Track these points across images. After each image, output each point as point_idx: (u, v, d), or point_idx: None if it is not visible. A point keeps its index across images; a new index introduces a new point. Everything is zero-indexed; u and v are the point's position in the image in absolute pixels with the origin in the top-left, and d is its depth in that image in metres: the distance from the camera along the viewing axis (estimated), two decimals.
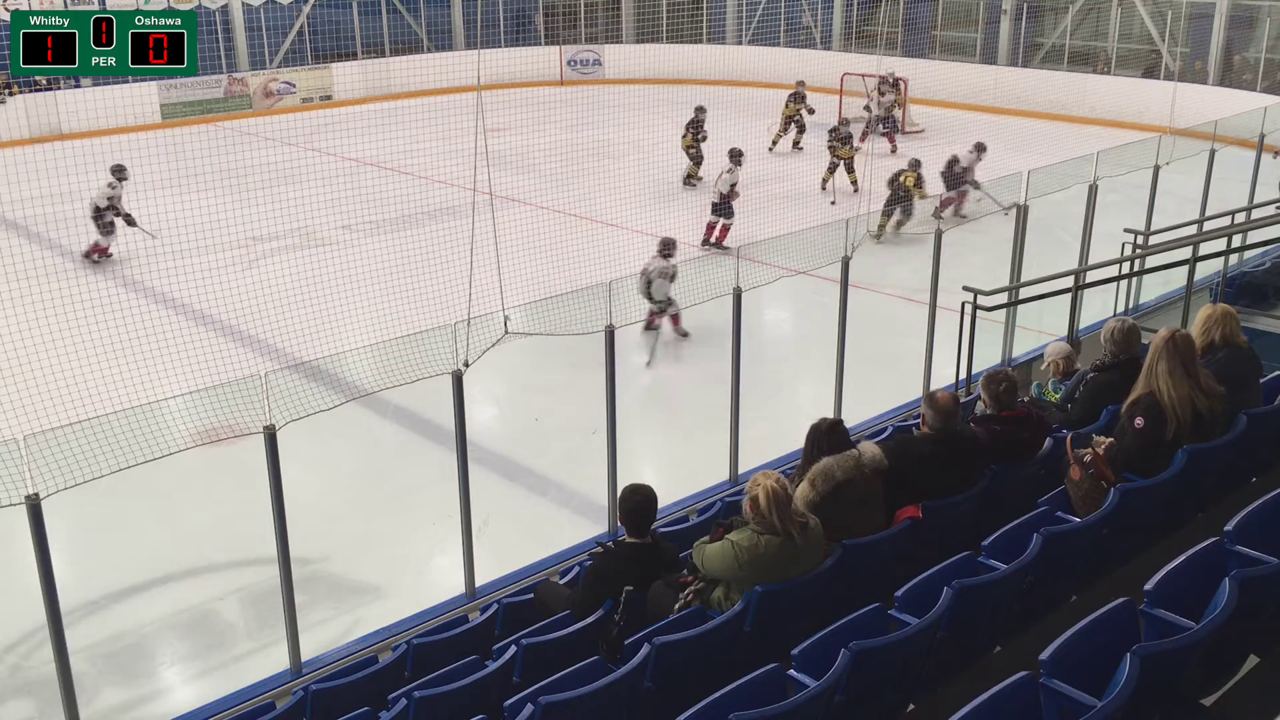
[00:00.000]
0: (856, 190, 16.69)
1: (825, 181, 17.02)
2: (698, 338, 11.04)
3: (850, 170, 17.09)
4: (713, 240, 14.36)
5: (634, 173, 17.52)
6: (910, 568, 4.27)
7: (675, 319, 11.49)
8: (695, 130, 17.66)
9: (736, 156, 14.69)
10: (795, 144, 20.15)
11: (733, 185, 14.33)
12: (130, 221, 14.08)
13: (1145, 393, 4.81)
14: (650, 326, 11.41)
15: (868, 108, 20.43)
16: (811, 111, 20.01)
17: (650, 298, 11.15)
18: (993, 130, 19.20)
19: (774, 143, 19.99)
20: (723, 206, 14.35)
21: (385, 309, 11.58)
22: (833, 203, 16.25)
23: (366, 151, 19.21)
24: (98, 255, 14.00)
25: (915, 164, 15.48)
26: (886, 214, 14.54)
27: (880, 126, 20.06)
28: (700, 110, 17.69)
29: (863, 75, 21.16)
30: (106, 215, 13.90)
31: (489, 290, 7.01)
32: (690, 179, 17.64)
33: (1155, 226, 10.39)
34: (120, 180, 14.09)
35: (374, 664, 5.74)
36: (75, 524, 7.75)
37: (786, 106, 20.18)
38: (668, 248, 11.39)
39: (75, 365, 9.09)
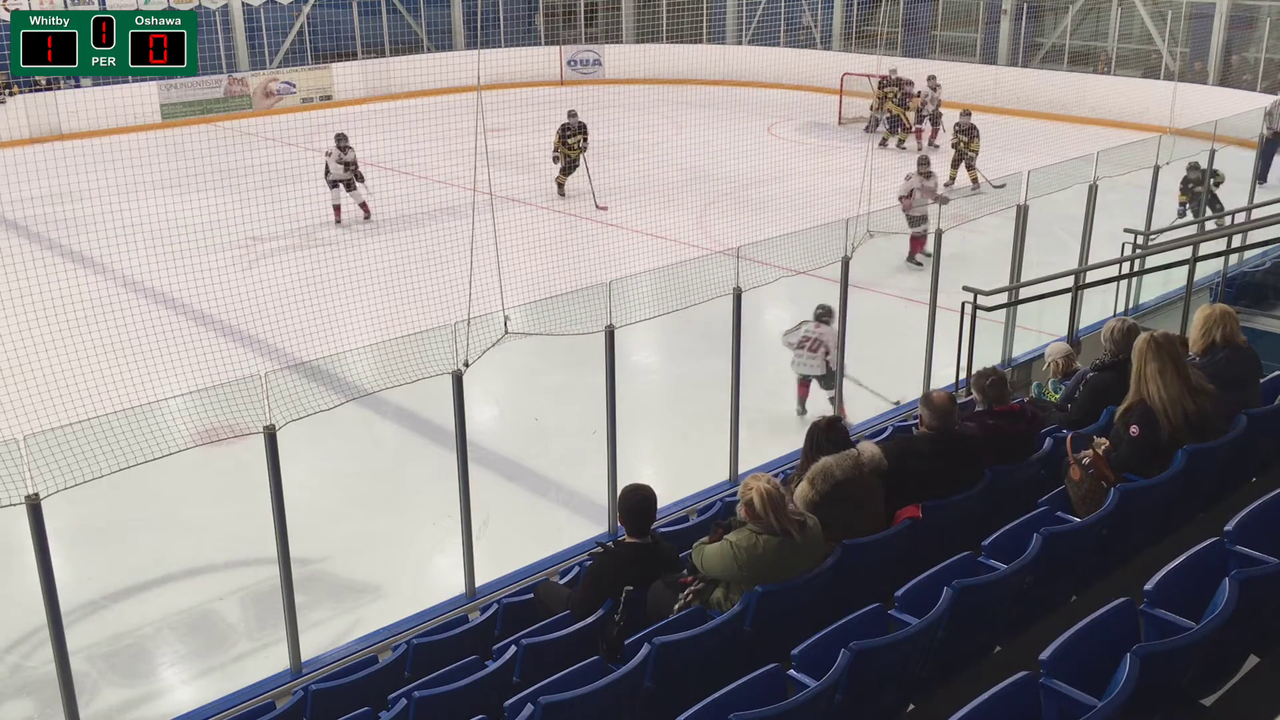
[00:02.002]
0: (976, 187, 16.69)
1: (974, 179, 16.98)
2: (697, 338, 11.02)
3: (971, 166, 17.06)
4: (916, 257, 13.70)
5: (634, 173, 17.51)
6: (910, 568, 4.27)
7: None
8: (585, 135, 17.02)
9: (925, 164, 14.12)
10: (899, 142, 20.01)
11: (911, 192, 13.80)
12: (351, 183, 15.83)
13: (1136, 400, 4.80)
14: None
15: (923, 106, 20.44)
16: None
17: None
18: (993, 130, 19.19)
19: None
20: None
21: (385, 309, 11.59)
22: (1001, 185, 14.91)
23: (366, 151, 19.17)
24: (365, 211, 15.82)
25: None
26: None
27: (929, 124, 20.20)
28: (572, 115, 17.00)
29: (879, 78, 21.11)
30: (348, 172, 15.69)
31: (489, 290, 7.02)
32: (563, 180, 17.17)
33: (1155, 226, 10.39)
34: (344, 147, 15.66)
35: (374, 664, 5.74)
36: (75, 524, 7.75)
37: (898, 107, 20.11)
38: None
39: (75, 365, 9.09)
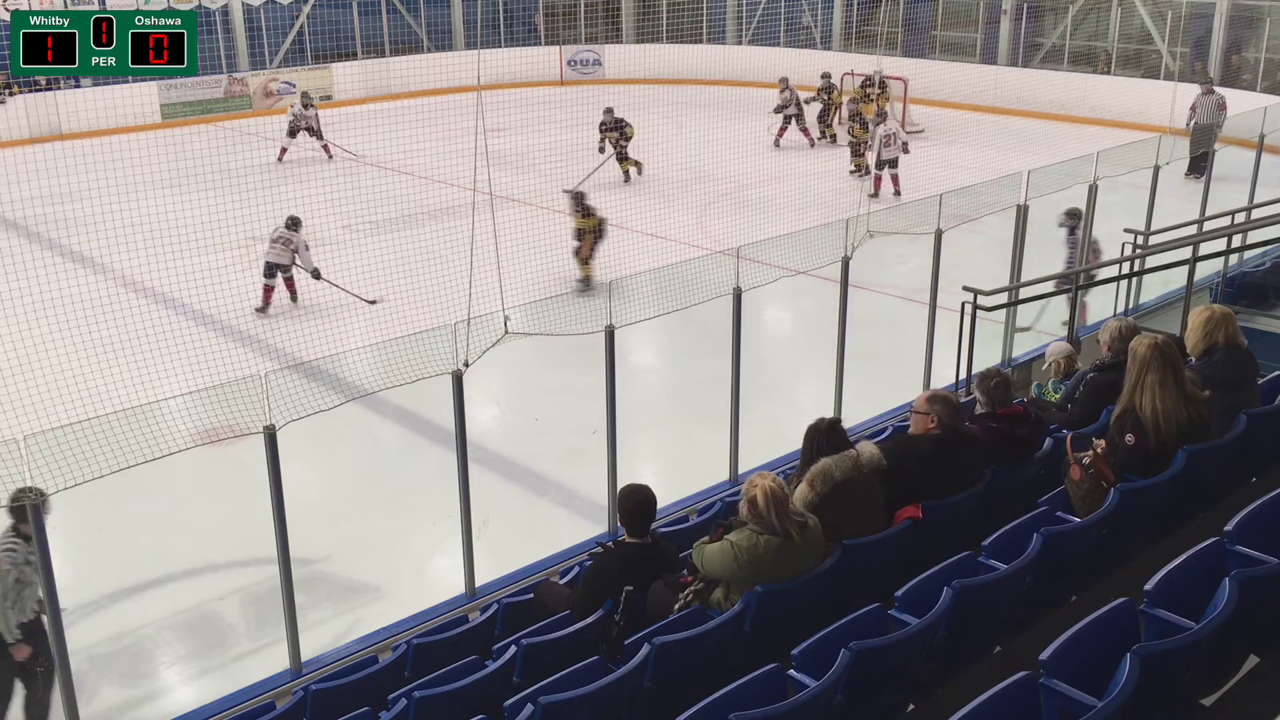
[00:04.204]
0: (861, 174, 17.11)
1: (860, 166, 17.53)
2: (697, 338, 11.02)
3: (859, 154, 17.58)
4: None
5: (634, 172, 17.49)
6: (910, 568, 4.27)
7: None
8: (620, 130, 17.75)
9: (884, 117, 17.00)
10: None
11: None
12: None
13: (1129, 407, 4.77)
14: None
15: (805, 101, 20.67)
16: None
17: None
18: (993, 130, 19.21)
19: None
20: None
21: (385, 309, 11.58)
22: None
23: (366, 151, 19.21)
24: (327, 153, 19.26)
25: None
26: None
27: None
28: (608, 113, 17.86)
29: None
30: (304, 122, 19.03)
31: (489, 290, 7.01)
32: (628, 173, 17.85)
33: (1155, 226, 10.38)
34: (306, 104, 19.22)
35: (374, 664, 5.73)
36: (75, 524, 7.75)
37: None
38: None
39: (75, 365, 9.09)
